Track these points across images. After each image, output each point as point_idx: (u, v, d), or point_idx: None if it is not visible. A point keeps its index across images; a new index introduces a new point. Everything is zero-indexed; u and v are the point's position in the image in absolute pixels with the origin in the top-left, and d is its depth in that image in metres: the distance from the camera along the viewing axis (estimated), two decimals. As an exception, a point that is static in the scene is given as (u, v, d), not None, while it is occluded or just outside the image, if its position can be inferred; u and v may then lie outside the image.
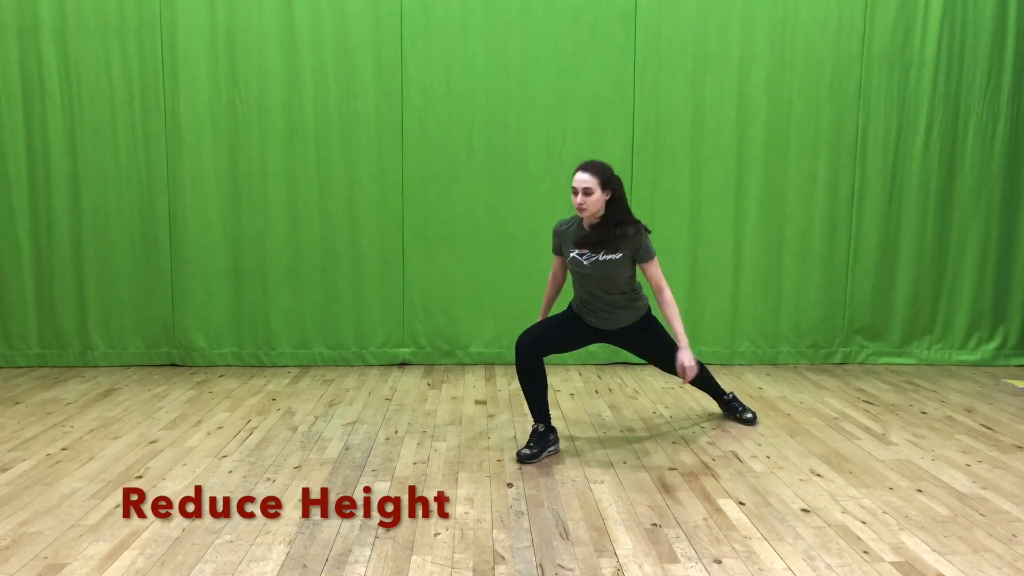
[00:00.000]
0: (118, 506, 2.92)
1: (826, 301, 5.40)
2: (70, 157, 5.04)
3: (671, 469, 3.37)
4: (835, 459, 3.51)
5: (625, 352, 5.34)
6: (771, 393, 4.67)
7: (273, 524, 2.77)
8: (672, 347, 3.65)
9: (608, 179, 3.39)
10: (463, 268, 5.28)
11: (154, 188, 5.09)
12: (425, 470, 3.33)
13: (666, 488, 3.14)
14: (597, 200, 3.38)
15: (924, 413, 4.28)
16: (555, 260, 3.73)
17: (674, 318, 3.54)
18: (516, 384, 4.81)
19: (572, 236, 3.54)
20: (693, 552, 2.58)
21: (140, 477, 3.22)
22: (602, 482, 3.20)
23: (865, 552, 2.59)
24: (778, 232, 5.35)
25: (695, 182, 5.28)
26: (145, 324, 5.19)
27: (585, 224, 3.48)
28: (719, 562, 2.51)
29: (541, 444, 3.47)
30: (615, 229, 3.44)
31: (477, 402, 4.42)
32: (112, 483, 3.15)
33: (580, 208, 3.39)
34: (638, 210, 5.25)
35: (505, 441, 3.72)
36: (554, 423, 3.97)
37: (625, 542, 2.65)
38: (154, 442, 3.68)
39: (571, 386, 4.80)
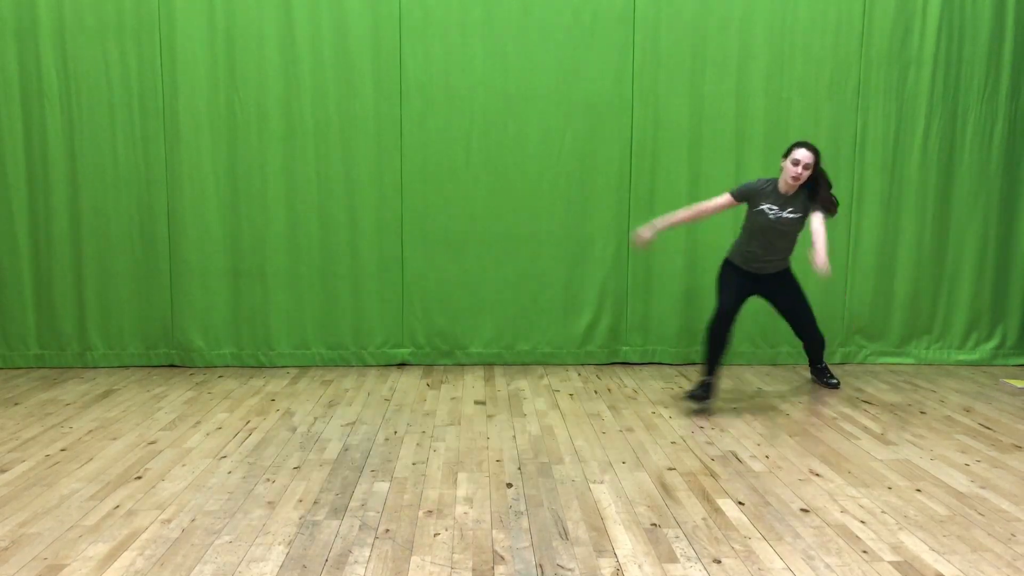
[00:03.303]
0: (118, 506, 2.92)
1: (825, 301, 5.39)
2: (69, 157, 5.03)
3: (670, 469, 3.37)
4: (834, 459, 3.51)
5: (625, 352, 5.39)
6: (771, 393, 4.67)
7: (272, 525, 2.77)
8: (810, 310, 4.54)
9: (819, 160, 4.15)
10: (462, 268, 5.28)
11: (153, 188, 5.08)
12: (424, 470, 3.33)
13: (665, 488, 3.15)
14: (807, 176, 4.12)
15: (923, 413, 4.28)
16: (724, 199, 4.29)
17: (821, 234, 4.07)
18: (515, 384, 4.82)
19: (768, 196, 4.21)
20: (692, 552, 2.58)
21: (139, 478, 3.22)
22: (601, 482, 3.20)
23: (864, 552, 2.59)
24: (777, 232, 5.34)
25: (694, 182, 5.28)
26: (144, 325, 5.19)
27: (783, 189, 4.18)
28: (718, 562, 2.51)
29: (706, 391, 4.21)
30: (804, 198, 4.19)
31: (476, 402, 4.42)
32: (111, 484, 3.15)
33: (797, 178, 4.10)
34: (637, 210, 5.29)
35: (504, 441, 3.72)
36: (553, 422, 4.00)
37: (624, 542, 2.65)
38: (153, 443, 3.68)
39: (570, 386, 4.80)
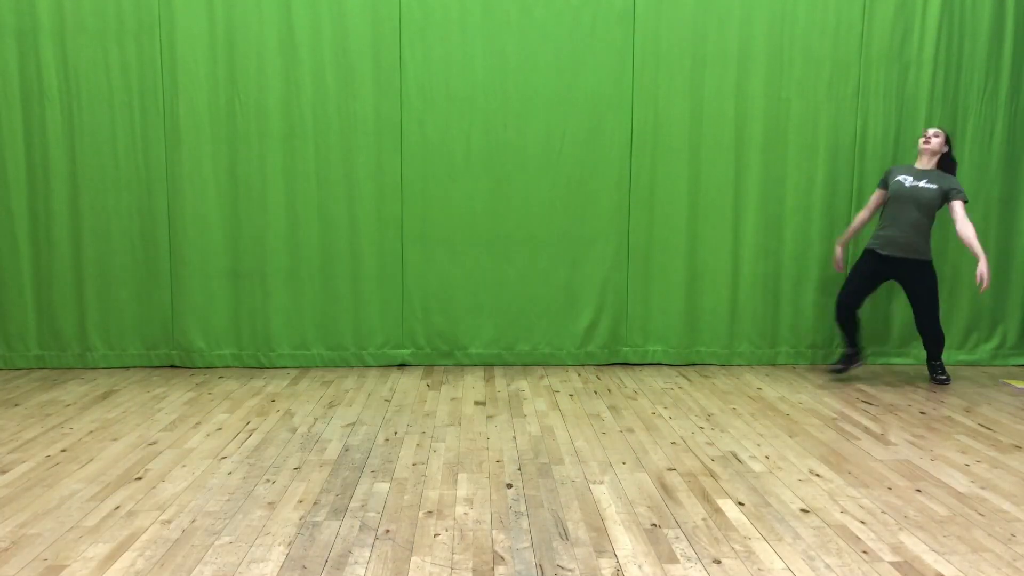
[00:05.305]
0: (118, 507, 2.92)
1: (825, 302, 5.39)
2: (69, 158, 5.03)
3: (670, 469, 3.37)
4: (834, 459, 3.51)
5: (625, 352, 5.39)
6: (770, 393, 4.67)
7: (273, 525, 2.78)
8: (931, 308, 4.84)
9: (948, 139, 4.89)
10: (462, 269, 5.28)
11: (153, 189, 5.09)
12: (424, 471, 3.33)
13: (665, 488, 3.15)
14: (939, 145, 4.81)
15: (923, 413, 4.29)
16: (876, 194, 4.99)
17: (972, 236, 4.56)
18: (515, 385, 4.82)
19: (902, 170, 4.87)
20: (692, 552, 2.58)
21: (140, 479, 3.22)
22: (601, 482, 3.21)
23: (864, 552, 2.59)
24: (777, 233, 5.35)
25: (693, 183, 5.28)
26: (144, 325, 5.19)
27: (918, 164, 4.85)
28: (718, 562, 2.51)
29: (847, 361, 4.93)
30: (938, 172, 4.78)
31: (476, 403, 4.43)
32: (111, 485, 3.15)
33: (926, 140, 4.81)
34: (637, 210, 5.29)
35: (504, 442, 3.73)
36: (553, 423, 4.00)
37: (624, 542, 2.65)
38: (153, 443, 3.68)
39: (570, 387, 4.80)
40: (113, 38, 4.97)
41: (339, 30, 5.05)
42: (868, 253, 4.90)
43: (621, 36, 5.17)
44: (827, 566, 2.49)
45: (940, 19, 5.22)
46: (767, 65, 5.22)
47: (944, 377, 5.00)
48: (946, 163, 4.84)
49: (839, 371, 4.96)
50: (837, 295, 4.99)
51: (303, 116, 5.09)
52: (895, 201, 4.78)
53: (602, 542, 2.66)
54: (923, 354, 5.49)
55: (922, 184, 4.71)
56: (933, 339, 4.96)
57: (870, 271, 4.87)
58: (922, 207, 4.71)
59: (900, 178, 4.78)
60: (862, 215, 5.10)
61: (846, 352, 4.96)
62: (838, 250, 5.16)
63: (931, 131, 4.82)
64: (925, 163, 4.82)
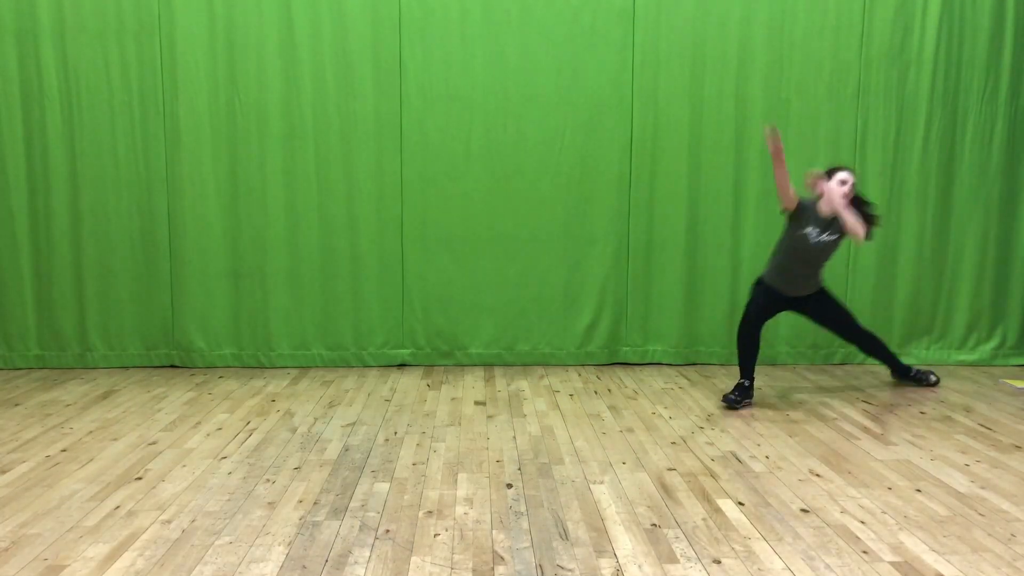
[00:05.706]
0: (118, 507, 2.92)
1: (825, 301, 5.40)
2: (69, 159, 5.04)
3: (670, 469, 3.37)
4: (834, 459, 3.51)
5: (625, 352, 5.39)
6: (770, 393, 4.67)
7: (273, 525, 2.78)
8: (848, 315, 4.63)
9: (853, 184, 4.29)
10: (462, 269, 5.28)
11: (153, 190, 5.09)
12: (424, 471, 3.33)
13: (665, 488, 3.15)
14: (842, 196, 4.20)
15: (923, 413, 4.29)
16: (793, 192, 4.27)
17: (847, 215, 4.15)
18: (515, 384, 4.82)
19: (811, 216, 4.31)
20: (692, 552, 2.58)
21: (140, 479, 3.22)
22: (601, 482, 3.21)
23: (864, 552, 2.59)
24: (777, 233, 5.31)
25: (693, 182, 5.28)
26: (144, 325, 5.19)
27: (824, 212, 4.28)
28: (718, 562, 2.51)
29: (742, 394, 4.33)
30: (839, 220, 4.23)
31: (476, 403, 4.43)
32: (111, 484, 3.15)
33: (846, 195, 4.20)
34: (637, 210, 5.29)
35: (505, 442, 3.72)
36: (553, 423, 4.00)
37: (624, 542, 2.65)
38: (154, 443, 3.68)
39: (570, 387, 4.80)
40: (113, 38, 4.98)
41: (339, 30, 5.06)
42: (772, 291, 4.45)
43: (621, 36, 5.17)
44: (827, 566, 2.49)
45: (940, 19, 5.22)
46: (767, 65, 5.21)
47: (933, 378, 4.83)
48: (857, 204, 4.28)
49: (734, 404, 4.31)
50: (742, 318, 4.49)
51: (303, 116, 5.09)
52: (799, 252, 4.33)
53: (602, 542, 2.66)
54: (924, 353, 5.51)
55: (825, 237, 4.27)
56: (868, 340, 4.69)
57: (773, 304, 4.50)
58: (825, 255, 4.37)
59: (808, 231, 4.27)
60: (782, 179, 4.25)
61: (744, 383, 4.37)
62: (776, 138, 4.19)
63: (843, 174, 4.24)
64: (827, 209, 4.27)
